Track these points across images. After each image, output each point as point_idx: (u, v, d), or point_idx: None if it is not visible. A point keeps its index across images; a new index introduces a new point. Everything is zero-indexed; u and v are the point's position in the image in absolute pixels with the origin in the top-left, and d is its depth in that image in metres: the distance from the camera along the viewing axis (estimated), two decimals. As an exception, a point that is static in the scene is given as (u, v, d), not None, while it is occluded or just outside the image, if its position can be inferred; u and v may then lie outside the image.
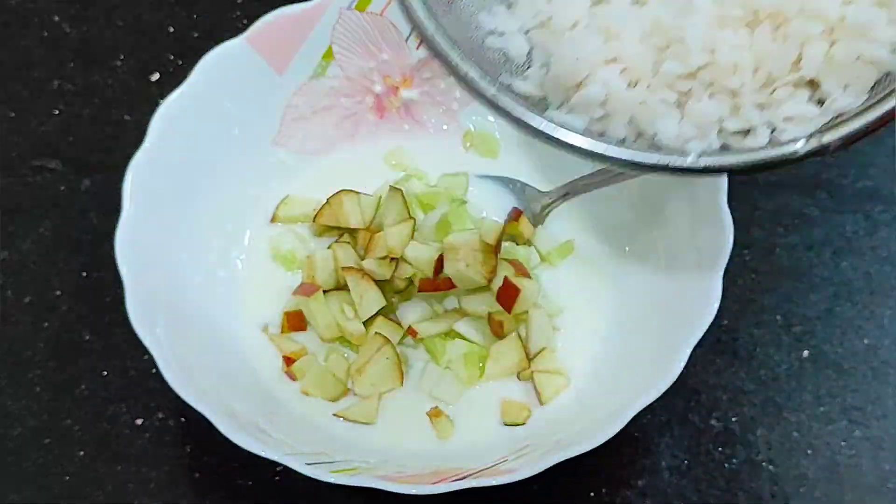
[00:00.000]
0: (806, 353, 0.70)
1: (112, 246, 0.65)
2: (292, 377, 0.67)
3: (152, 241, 0.66)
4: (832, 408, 0.68)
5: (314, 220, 0.73)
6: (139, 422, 0.69)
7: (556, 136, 0.50)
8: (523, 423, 0.66)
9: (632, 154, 0.50)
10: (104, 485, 0.67)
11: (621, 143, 0.51)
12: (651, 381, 0.61)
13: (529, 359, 0.67)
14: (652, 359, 0.64)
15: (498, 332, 0.67)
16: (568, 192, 0.72)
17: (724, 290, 0.62)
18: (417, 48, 0.74)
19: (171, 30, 0.85)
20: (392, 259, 0.69)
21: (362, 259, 0.69)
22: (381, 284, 0.69)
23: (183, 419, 0.68)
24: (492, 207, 0.72)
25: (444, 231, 0.70)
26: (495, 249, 0.68)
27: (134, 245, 0.65)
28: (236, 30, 0.73)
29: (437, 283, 0.68)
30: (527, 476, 0.58)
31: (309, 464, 0.59)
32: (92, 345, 0.72)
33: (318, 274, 0.69)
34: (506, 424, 0.66)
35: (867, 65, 0.48)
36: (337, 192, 0.72)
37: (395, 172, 0.75)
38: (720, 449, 0.67)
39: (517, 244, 0.71)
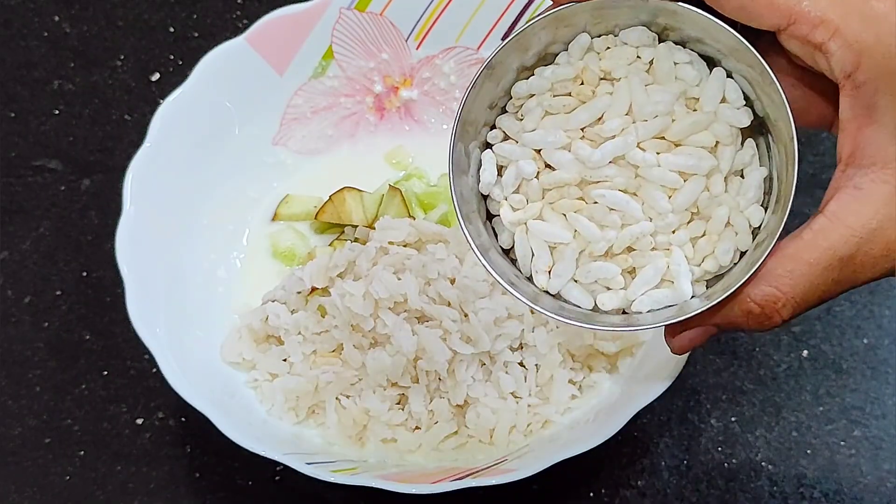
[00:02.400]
0: (805, 352, 0.70)
1: (112, 246, 0.65)
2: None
3: (152, 240, 0.67)
4: (831, 407, 0.68)
5: (316, 218, 0.73)
6: (139, 421, 0.69)
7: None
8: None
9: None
10: (104, 485, 0.67)
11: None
12: (651, 381, 0.61)
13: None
14: (652, 358, 0.64)
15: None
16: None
17: (724, 289, 0.62)
18: (418, 48, 0.75)
19: (172, 30, 0.85)
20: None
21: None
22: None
23: (183, 419, 0.68)
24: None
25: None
26: None
27: (134, 245, 0.65)
28: (236, 30, 0.74)
29: None
30: (527, 476, 0.59)
31: (309, 463, 0.59)
32: (92, 345, 0.72)
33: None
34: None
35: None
36: (339, 190, 0.72)
37: (396, 172, 0.75)
38: (720, 449, 0.67)
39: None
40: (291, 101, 0.74)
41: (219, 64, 0.71)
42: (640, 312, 0.50)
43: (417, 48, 0.75)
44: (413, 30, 0.74)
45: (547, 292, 0.51)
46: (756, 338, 0.70)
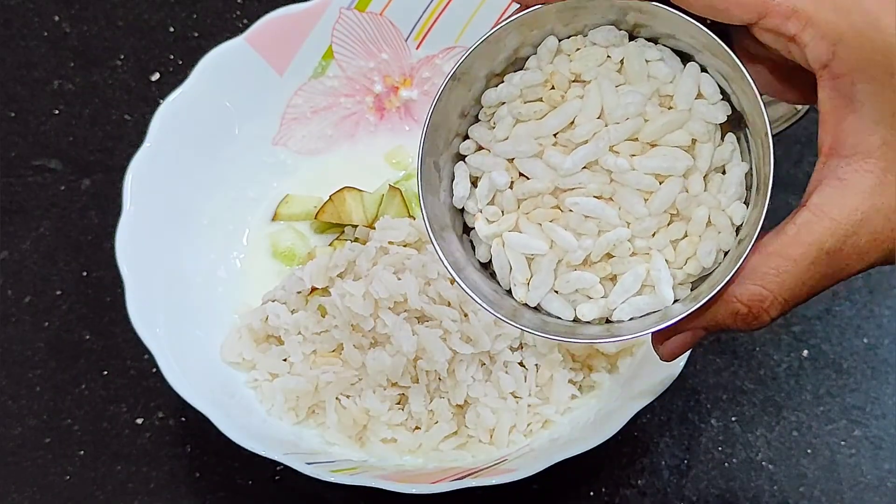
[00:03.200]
0: (805, 352, 0.70)
1: (112, 246, 0.65)
2: None
3: (152, 240, 0.67)
4: (831, 407, 0.68)
5: (316, 218, 0.73)
6: (139, 421, 0.69)
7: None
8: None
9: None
10: (104, 484, 0.67)
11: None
12: (651, 381, 0.61)
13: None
14: (652, 358, 0.64)
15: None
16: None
17: (724, 289, 0.62)
18: (418, 48, 0.75)
19: (172, 30, 0.85)
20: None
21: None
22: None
23: (183, 419, 0.68)
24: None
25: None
26: None
27: (134, 245, 0.65)
28: (236, 30, 0.74)
29: None
30: (527, 476, 0.59)
31: (309, 463, 0.59)
32: (92, 344, 0.72)
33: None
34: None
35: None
36: (340, 189, 0.72)
37: (396, 172, 0.75)
38: (720, 448, 0.67)
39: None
40: (291, 101, 0.74)
41: (219, 64, 0.71)
42: (623, 321, 0.49)
43: (417, 48, 0.75)
44: (413, 30, 0.74)
45: (527, 305, 0.50)
46: (756, 338, 0.70)
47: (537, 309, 0.50)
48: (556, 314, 0.50)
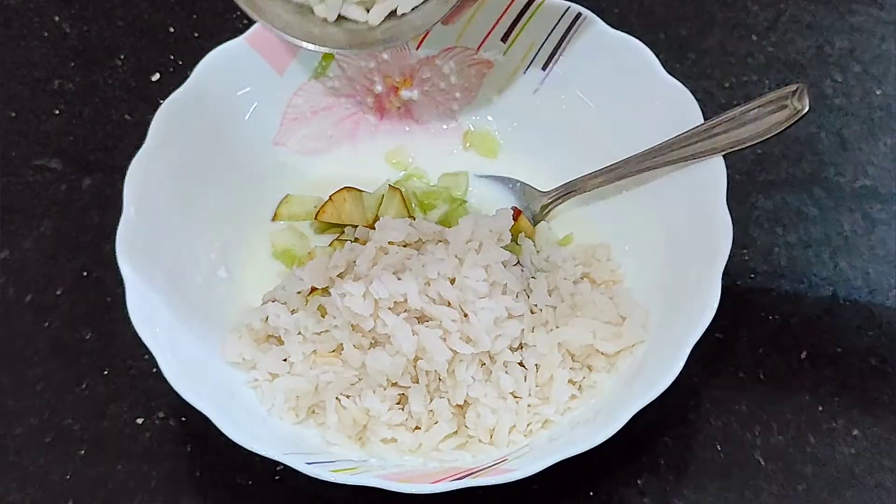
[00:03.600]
0: (805, 352, 0.70)
1: (112, 245, 0.65)
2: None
3: (152, 240, 0.67)
4: (831, 407, 0.68)
5: (316, 218, 0.73)
6: (140, 421, 0.69)
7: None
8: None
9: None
10: (104, 484, 0.67)
11: None
12: (651, 381, 0.61)
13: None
14: (652, 358, 0.64)
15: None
16: (567, 191, 0.72)
17: (724, 289, 0.62)
18: (418, 48, 0.75)
19: (172, 30, 0.85)
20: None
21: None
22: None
23: (183, 419, 0.68)
24: (492, 207, 0.72)
25: (443, 230, 0.70)
26: None
27: (134, 245, 0.65)
28: (236, 30, 0.74)
29: None
30: (526, 476, 0.59)
31: (309, 463, 0.59)
32: (92, 344, 0.72)
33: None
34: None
35: None
36: (339, 190, 0.73)
37: (396, 172, 0.76)
38: (719, 448, 0.67)
39: (517, 242, 0.71)
40: (291, 101, 0.74)
41: (219, 64, 0.71)
42: (406, 13, 0.60)
43: (417, 48, 0.75)
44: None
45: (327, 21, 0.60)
46: (756, 337, 0.70)
47: (335, 23, 0.61)
48: (354, 18, 0.61)
